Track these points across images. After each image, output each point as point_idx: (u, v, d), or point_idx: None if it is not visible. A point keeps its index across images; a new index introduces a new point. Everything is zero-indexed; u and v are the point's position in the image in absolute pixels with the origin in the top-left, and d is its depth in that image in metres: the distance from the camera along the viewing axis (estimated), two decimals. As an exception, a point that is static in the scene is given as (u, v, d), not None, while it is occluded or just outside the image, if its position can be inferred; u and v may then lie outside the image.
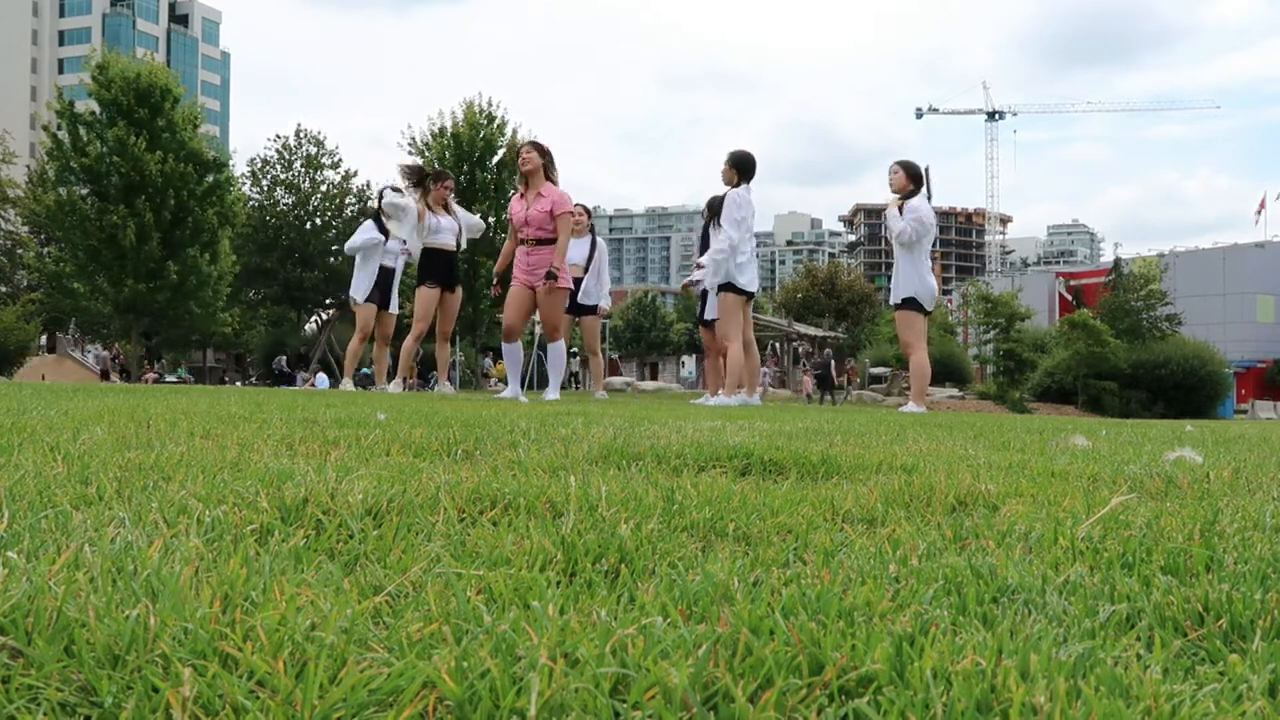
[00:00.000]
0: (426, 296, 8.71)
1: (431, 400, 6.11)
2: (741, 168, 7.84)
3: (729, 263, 7.75)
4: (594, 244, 9.32)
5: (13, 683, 0.68)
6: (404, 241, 8.94)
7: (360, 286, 9.16)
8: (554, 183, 7.47)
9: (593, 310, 9.38)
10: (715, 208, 8.09)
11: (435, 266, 8.71)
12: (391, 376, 9.38)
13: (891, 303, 7.82)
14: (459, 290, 8.98)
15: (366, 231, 9.10)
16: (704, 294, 8.57)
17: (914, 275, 7.60)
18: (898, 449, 2.61)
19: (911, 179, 7.68)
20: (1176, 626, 0.91)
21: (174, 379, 33.04)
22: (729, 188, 7.88)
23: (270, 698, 0.67)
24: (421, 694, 0.68)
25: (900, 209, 7.64)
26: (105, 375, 35.92)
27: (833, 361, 31.07)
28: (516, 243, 7.55)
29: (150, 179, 30.94)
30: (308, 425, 2.77)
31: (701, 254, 8.39)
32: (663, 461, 2.09)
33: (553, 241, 7.40)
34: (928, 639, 0.78)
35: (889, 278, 8.07)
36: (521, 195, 7.52)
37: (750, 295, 7.95)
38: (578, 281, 9.24)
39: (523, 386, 8.22)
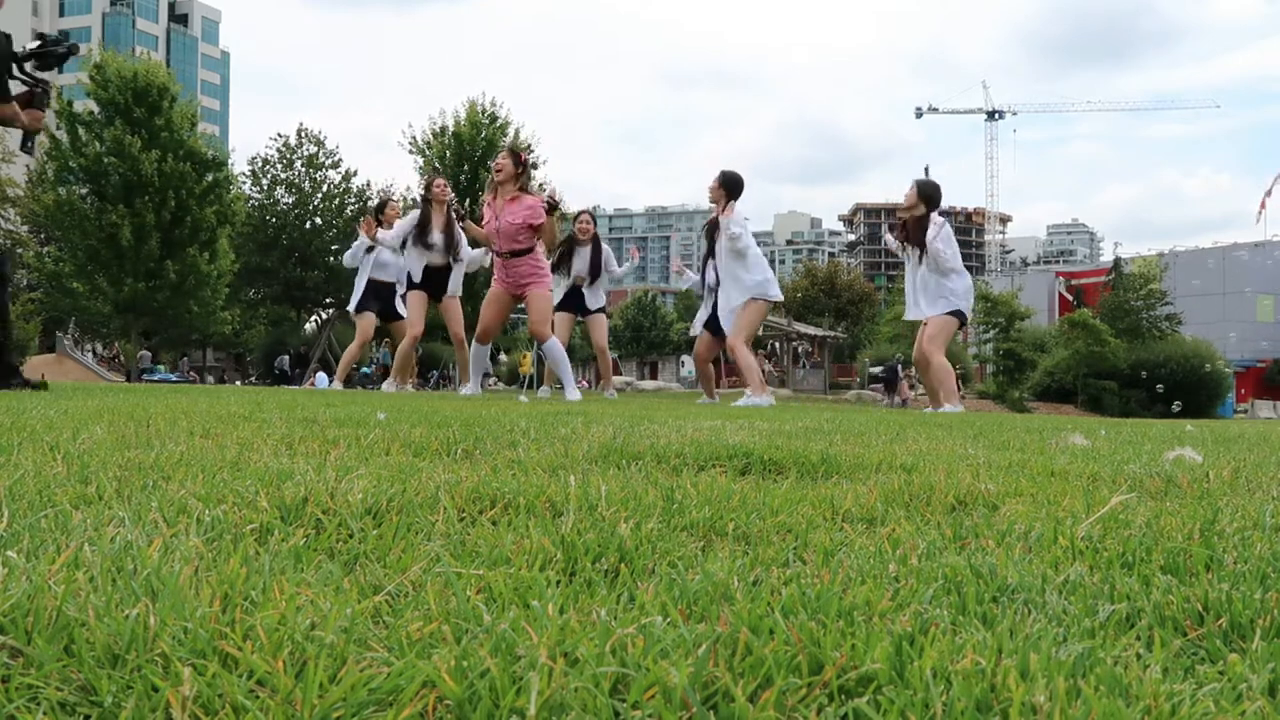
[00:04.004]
0: (415, 299, 8.72)
1: (431, 400, 6.11)
2: (730, 187, 7.94)
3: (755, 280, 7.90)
4: (597, 249, 9.31)
5: (13, 682, 0.68)
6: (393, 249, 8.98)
7: (354, 299, 9.25)
8: (526, 191, 7.45)
9: (600, 311, 9.36)
10: (712, 232, 8.21)
11: (424, 277, 8.71)
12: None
13: (933, 313, 7.69)
14: (454, 300, 8.97)
15: (357, 247, 9.17)
16: (709, 298, 8.57)
17: (961, 288, 7.61)
18: (897, 448, 2.61)
19: (923, 199, 7.66)
20: (1176, 626, 0.91)
21: (158, 377, 32.72)
22: (715, 205, 8.00)
23: (270, 697, 0.67)
24: (421, 693, 0.68)
25: (913, 233, 7.65)
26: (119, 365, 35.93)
27: (898, 368, 32.25)
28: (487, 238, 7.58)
29: (147, 178, 30.92)
30: (308, 425, 2.77)
31: (702, 277, 8.52)
32: (662, 461, 2.09)
33: (528, 252, 7.41)
34: (927, 638, 0.78)
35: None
36: (489, 204, 7.50)
37: (772, 305, 8.22)
38: (577, 289, 9.23)
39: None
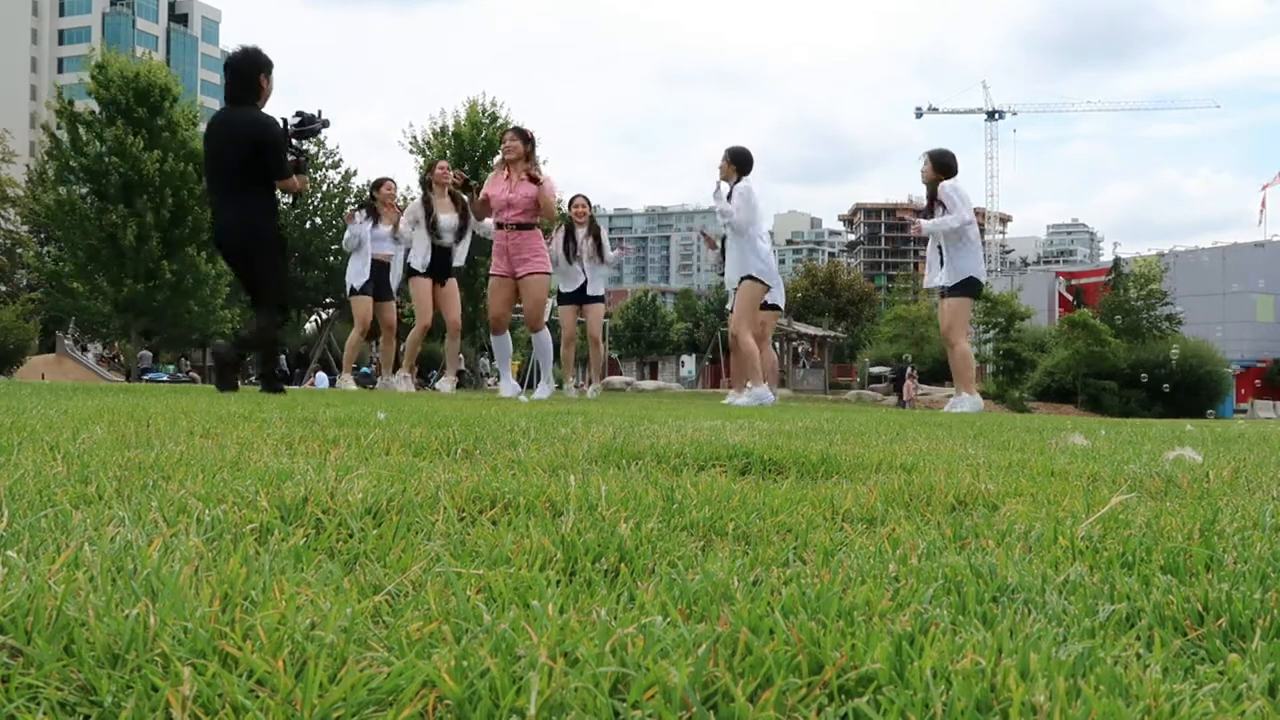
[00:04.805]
0: (420, 287, 8.69)
1: (431, 399, 6.11)
2: (740, 162, 7.95)
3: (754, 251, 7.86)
4: (595, 231, 9.30)
5: (12, 682, 0.68)
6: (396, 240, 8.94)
7: (352, 272, 9.08)
8: (536, 169, 7.47)
9: (599, 300, 9.35)
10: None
11: (428, 258, 8.71)
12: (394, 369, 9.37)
13: (945, 284, 7.66)
14: (453, 282, 8.94)
15: (356, 227, 9.07)
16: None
17: (969, 257, 7.60)
18: (897, 448, 2.61)
19: (939, 169, 7.68)
20: (1176, 626, 0.91)
21: (164, 376, 32.80)
22: (725, 181, 7.97)
23: (270, 697, 0.67)
24: (421, 693, 0.68)
25: (931, 208, 7.63)
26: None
27: (907, 369, 32.80)
28: (488, 210, 7.55)
29: (149, 178, 30.93)
30: (307, 425, 2.77)
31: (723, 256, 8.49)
32: (662, 461, 2.09)
33: (533, 227, 7.41)
34: (927, 638, 0.78)
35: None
36: (506, 177, 7.46)
37: (767, 288, 8.10)
38: (584, 282, 9.27)
39: (523, 386, 8.23)
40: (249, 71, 5.91)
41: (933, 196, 7.67)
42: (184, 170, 31.60)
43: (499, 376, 8.19)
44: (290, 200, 6.57)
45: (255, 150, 5.79)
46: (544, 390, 7.60)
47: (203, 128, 36.60)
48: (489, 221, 8.54)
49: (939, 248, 7.67)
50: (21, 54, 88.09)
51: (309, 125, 6.20)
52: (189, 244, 32.19)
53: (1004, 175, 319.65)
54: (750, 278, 7.91)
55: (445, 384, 9.11)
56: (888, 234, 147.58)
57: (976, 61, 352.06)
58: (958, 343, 7.70)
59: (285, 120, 6.10)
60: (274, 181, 5.91)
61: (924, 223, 7.60)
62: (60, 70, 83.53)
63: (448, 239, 8.66)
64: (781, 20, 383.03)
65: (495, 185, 7.51)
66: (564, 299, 9.29)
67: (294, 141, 6.10)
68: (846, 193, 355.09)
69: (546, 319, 7.99)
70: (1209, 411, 25.27)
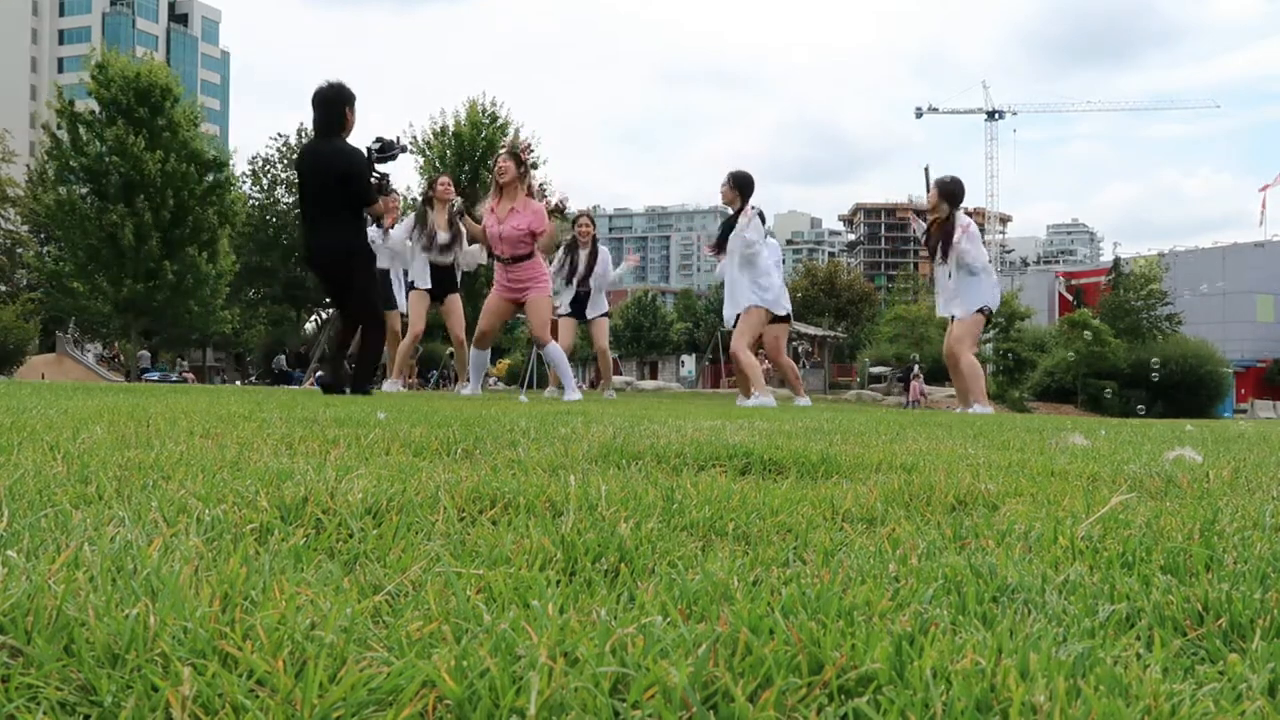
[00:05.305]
0: (416, 299, 8.78)
1: (431, 400, 6.11)
2: (742, 188, 8.01)
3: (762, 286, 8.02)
4: (595, 253, 9.41)
5: (12, 682, 0.68)
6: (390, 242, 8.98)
7: None
8: (529, 193, 7.44)
9: (602, 315, 9.50)
10: (728, 231, 8.29)
11: (427, 276, 8.77)
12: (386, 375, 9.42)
13: (962, 313, 7.64)
14: (455, 298, 9.03)
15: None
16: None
17: (988, 285, 7.62)
18: (897, 448, 2.61)
19: (945, 196, 7.64)
20: (1176, 626, 0.91)
21: (155, 376, 32.83)
22: (729, 207, 8.04)
23: (270, 697, 0.67)
24: (421, 693, 0.68)
25: (949, 239, 7.59)
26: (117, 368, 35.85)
27: (913, 369, 33.29)
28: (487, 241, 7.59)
29: (150, 178, 30.94)
30: (307, 425, 2.77)
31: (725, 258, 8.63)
32: (662, 461, 2.09)
33: (529, 257, 7.41)
34: (927, 638, 0.78)
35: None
36: (494, 208, 7.46)
37: (771, 315, 8.27)
38: (584, 295, 9.39)
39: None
40: (336, 105, 6.50)
41: (938, 220, 7.67)
42: (185, 170, 31.60)
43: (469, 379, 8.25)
44: (379, 224, 7.56)
45: (342, 180, 6.42)
46: (572, 394, 7.58)
47: (203, 128, 36.49)
48: (476, 248, 8.56)
49: (949, 276, 7.65)
50: (21, 54, 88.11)
51: (389, 151, 6.78)
52: (189, 244, 32.18)
53: (1004, 175, 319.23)
54: (761, 306, 8.06)
55: (467, 388, 9.10)
56: (888, 234, 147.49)
57: (976, 61, 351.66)
58: (964, 355, 7.65)
59: (369, 149, 6.68)
60: (360, 206, 6.58)
61: (968, 256, 7.49)
62: (60, 70, 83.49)
63: (444, 258, 8.70)
64: (781, 20, 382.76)
65: (487, 217, 7.52)
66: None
67: (375, 166, 6.69)
68: (846, 193, 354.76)
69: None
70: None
